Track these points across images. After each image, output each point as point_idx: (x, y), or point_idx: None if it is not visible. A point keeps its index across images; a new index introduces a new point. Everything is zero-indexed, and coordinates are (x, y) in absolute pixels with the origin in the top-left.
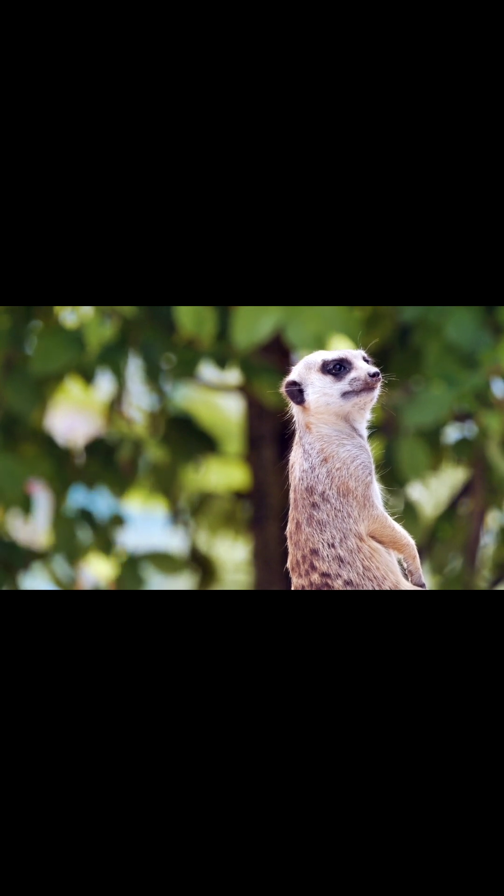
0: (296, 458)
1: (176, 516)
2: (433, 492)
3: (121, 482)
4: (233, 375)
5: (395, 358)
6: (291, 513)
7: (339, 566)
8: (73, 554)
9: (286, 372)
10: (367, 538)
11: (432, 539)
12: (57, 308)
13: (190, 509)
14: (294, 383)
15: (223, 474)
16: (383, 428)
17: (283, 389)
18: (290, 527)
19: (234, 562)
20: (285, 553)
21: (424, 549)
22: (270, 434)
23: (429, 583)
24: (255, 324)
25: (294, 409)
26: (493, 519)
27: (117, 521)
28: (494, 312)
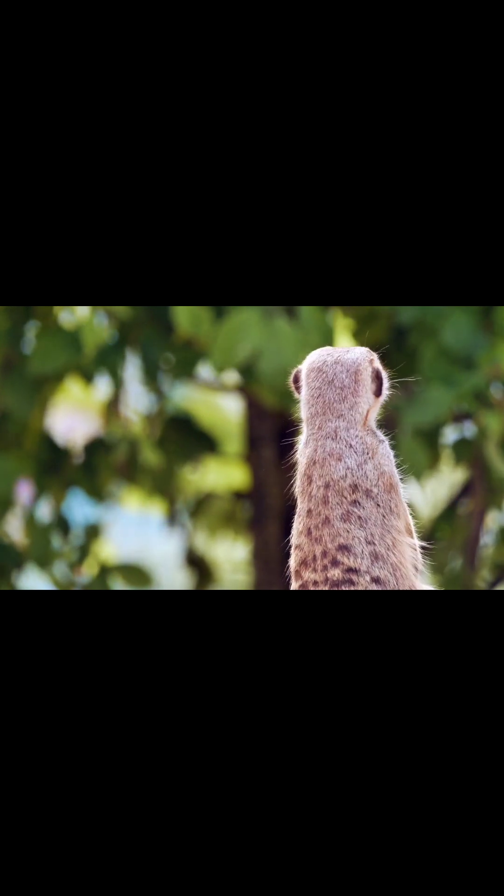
0: (328, 453)
1: (172, 517)
2: (433, 492)
3: (103, 485)
4: (232, 375)
5: (392, 358)
6: (318, 509)
7: (372, 562)
8: (45, 560)
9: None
10: (402, 534)
11: (432, 539)
12: (56, 308)
13: (189, 510)
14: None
15: (223, 474)
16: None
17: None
18: (308, 522)
19: (233, 562)
20: (285, 553)
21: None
22: (270, 434)
23: (428, 582)
24: (232, 349)
25: None
26: (492, 519)
27: (94, 531)
28: (491, 314)
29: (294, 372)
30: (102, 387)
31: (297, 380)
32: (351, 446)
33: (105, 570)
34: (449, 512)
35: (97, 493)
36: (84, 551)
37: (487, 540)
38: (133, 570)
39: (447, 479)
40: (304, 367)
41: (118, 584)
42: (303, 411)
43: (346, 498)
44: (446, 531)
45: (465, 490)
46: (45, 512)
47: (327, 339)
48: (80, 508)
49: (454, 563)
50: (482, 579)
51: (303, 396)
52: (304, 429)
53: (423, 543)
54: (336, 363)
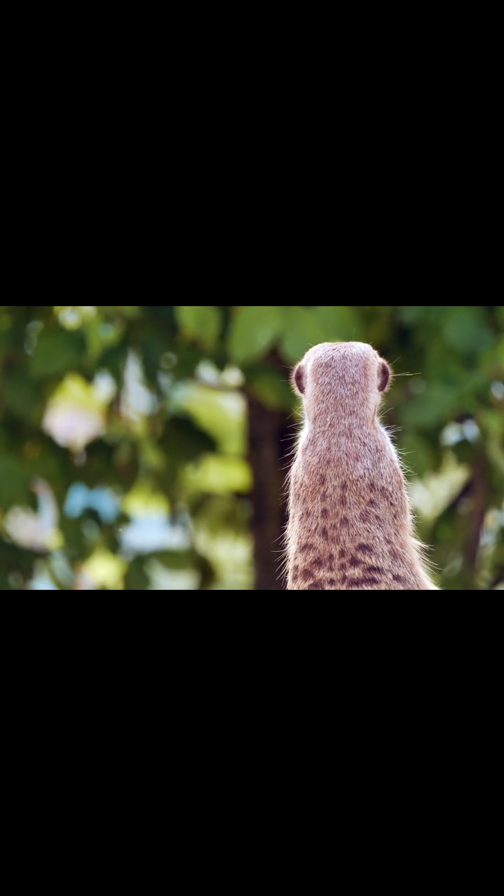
0: (344, 452)
1: (175, 517)
2: (433, 492)
3: (121, 482)
4: (233, 375)
5: (393, 357)
6: (335, 509)
7: (392, 562)
8: (81, 554)
9: (286, 372)
10: (409, 533)
11: (432, 539)
12: (57, 308)
13: (189, 510)
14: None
15: (223, 474)
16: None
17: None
18: (323, 522)
19: (234, 562)
20: (282, 553)
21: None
22: (270, 434)
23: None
24: (253, 335)
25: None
26: (493, 519)
27: (123, 519)
28: (495, 312)
29: (296, 368)
30: (103, 387)
31: (299, 376)
32: (365, 444)
33: (141, 559)
34: (449, 512)
35: (116, 487)
36: (115, 540)
37: (488, 540)
38: (168, 555)
39: (447, 478)
40: (310, 363)
41: (156, 570)
42: (308, 408)
43: (363, 498)
44: (447, 531)
45: (466, 490)
46: (73, 507)
47: (345, 330)
48: (99, 503)
49: (454, 562)
50: (482, 579)
51: (309, 393)
52: (309, 426)
53: (422, 544)
54: (344, 358)
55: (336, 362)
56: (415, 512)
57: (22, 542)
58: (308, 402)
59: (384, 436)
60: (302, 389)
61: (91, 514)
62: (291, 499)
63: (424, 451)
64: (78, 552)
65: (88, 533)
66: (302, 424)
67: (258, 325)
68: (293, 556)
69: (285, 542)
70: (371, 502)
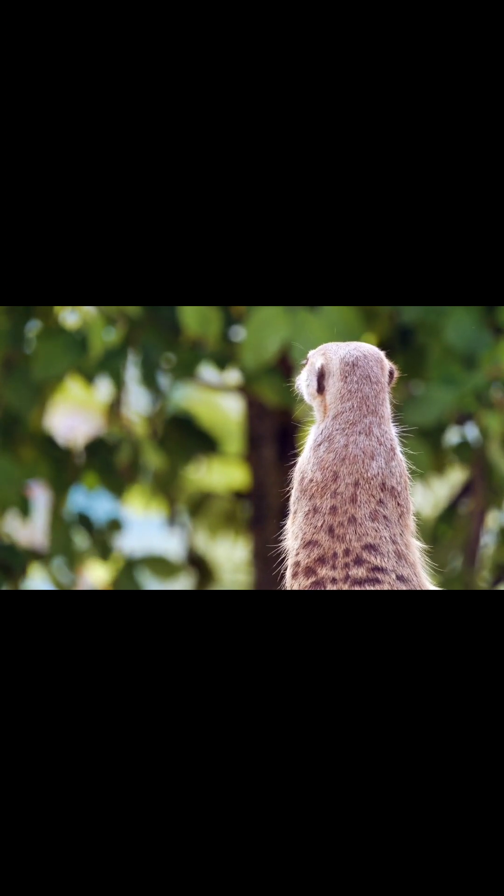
0: (361, 450)
1: (174, 518)
2: (433, 492)
3: (120, 484)
4: (233, 375)
5: (394, 357)
6: (345, 507)
7: (397, 562)
8: (71, 558)
9: (287, 373)
10: (412, 533)
11: (433, 539)
12: (57, 308)
13: (189, 510)
14: None
15: (223, 474)
16: None
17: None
18: (331, 520)
19: (233, 562)
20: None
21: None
22: (270, 434)
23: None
24: (262, 342)
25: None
26: (493, 519)
27: (115, 525)
28: (494, 313)
29: (319, 367)
30: (104, 387)
31: (322, 375)
32: (381, 443)
33: (131, 564)
34: (449, 512)
35: (116, 489)
36: (106, 546)
37: (488, 540)
38: (159, 562)
39: (448, 478)
40: (334, 362)
41: (146, 577)
42: (331, 404)
43: (374, 497)
44: (447, 531)
45: (466, 490)
46: (65, 510)
47: (350, 331)
48: (96, 506)
49: (454, 562)
50: (482, 579)
51: (335, 391)
52: (327, 422)
53: (423, 544)
54: (366, 357)
55: (361, 361)
56: (416, 513)
57: (20, 543)
58: (331, 400)
59: (395, 436)
60: (321, 388)
61: (82, 519)
62: (295, 495)
63: (425, 451)
64: (67, 557)
65: (78, 538)
66: (305, 423)
67: (267, 332)
68: (294, 552)
69: (282, 538)
70: (380, 501)
